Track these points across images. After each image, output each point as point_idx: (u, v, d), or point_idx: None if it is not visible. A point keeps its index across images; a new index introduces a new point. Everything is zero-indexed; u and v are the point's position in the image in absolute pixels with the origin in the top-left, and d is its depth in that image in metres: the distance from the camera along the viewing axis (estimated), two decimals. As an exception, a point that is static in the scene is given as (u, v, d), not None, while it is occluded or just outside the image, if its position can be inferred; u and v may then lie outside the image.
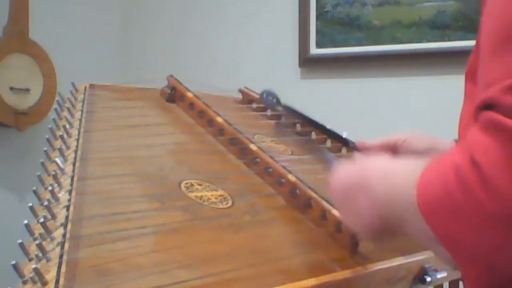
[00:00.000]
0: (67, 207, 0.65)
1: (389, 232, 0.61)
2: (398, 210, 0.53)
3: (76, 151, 0.81)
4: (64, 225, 0.61)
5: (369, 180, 0.59)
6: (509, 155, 0.40)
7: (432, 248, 0.52)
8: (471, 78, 0.64)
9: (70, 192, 0.69)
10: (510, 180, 0.39)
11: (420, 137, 0.87)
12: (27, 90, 1.96)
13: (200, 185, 0.81)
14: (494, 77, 0.43)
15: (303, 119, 1.11)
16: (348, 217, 0.66)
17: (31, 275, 0.54)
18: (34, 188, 0.72)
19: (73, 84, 1.11)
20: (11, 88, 1.91)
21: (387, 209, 0.55)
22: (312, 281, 0.64)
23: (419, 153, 0.84)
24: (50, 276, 0.53)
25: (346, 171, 0.65)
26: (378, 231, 0.61)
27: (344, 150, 1.09)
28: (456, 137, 0.76)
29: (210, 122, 1.01)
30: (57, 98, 1.06)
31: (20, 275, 0.55)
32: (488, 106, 0.42)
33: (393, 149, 0.86)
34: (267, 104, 1.11)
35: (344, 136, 1.15)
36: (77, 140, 0.86)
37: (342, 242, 0.74)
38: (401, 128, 1.84)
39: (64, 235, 0.59)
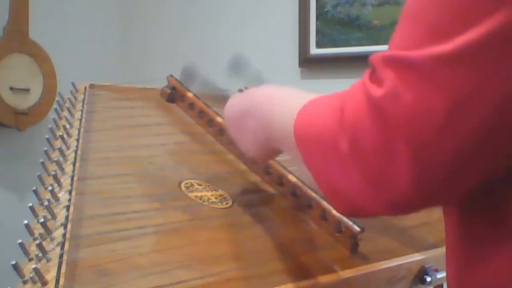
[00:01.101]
0: (67, 207, 0.65)
1: (274, 152, 0.70)
2: (277, 133, 0.60)
3: (76, 151, 0.81)
4: (64, 225, 0.61)
5: (256, 105, 0.66)
6: (366, 110, 0.45)
7: (301, 168, 0.56)
8: None
9: (70, 192, 0.69)
10: (361, 130, 0.45)
11: None
12: (27, 90, 1.96)
13: (200, 185, 0.81)
14: (389, 44, 0.48)
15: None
16: (241, 142, 0.72)
17: (31, 275, 0.54)
18: (34, 188, 0.72)
19: (73, 84, 1.11)
20: (11, 88, 1.91)
21: (269, 131, 0.62)
22: (312, 281, 0.65)
23: None
24: (50, 276, 0.53)
25: (235, 100, 0.73)
26: (264, 151, 0.69)
27: None
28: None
29: (210, 122, 1.01)
30: (57, 98, 1.06)
31: (20, 275, 0.55)
32: (372, 67, 0.47)
33: None
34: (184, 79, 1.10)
35: None
36: (77, 140, 0.86)
37: (342, 242, 0.74)
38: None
39: (64, 235, 0.59)
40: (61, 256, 0.56)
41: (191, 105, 1.06)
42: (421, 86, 0.43)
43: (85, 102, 1.03)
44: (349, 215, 0.54)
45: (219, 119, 1.00)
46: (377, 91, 0.45)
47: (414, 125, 0.43)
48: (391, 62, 0.45)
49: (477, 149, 0.43)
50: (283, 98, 0.62)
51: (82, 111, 0.98)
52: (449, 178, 0.44)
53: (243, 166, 0.92)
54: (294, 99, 0.58)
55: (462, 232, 0.53)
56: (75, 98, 1.06)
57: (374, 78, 0.46)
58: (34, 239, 0.61)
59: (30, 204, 0.67)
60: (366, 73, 0.48)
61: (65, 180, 0.73)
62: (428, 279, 0.78)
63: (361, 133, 0.45)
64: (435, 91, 0.42)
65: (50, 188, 0.70)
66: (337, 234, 0.75)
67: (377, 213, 0.50)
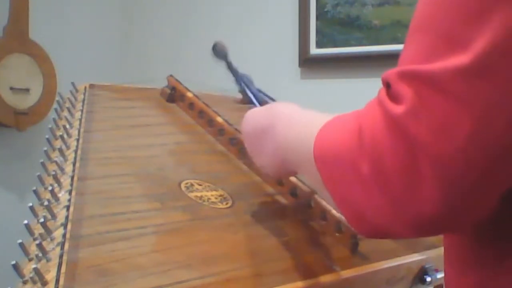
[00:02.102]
0: (67, 207, 0.65)
1: (290, 172, 0.71)
2: (296, 157, 0.59)
3: (76, 151, 0.81)
4: (64, 225, 0.61)
5: (276, 125, 0.64)
6: (386, 130, 0.44)
7: (321, 192, 0.57)
8: None
9: (70, 192, 0.69)
10: (382, 151, 0.44)
11: None
12: (27, 90, 1.96)
13: (200, 185, 0.81)
14: (401, 59, 0.47)
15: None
16: (256, 158, 0.71)
17: (31, 275, 0.54)
18: (34, 188, 0.72)
19: (73, 84, 1.11)
20: (11, 88, 1.91)
21: (287, 154, 0.61)
22: (312, 281, 0.65)
23: None
24: (50, 276, 0.53)
25: (256, 113, 0.71)
26: (281, 172, 0.69)
27: None
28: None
29: (210, 122, 1.01)
30: (57, 98, 1.06)
31: (20, 275, 0.55)
32: (387, 84, 0.46)
33: None
34: (215, 54, 1.09)
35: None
36: (77, 140, 0.86)
37: (342, 242, 0.74)
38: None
39: (64, 235, 0.59)
40: (61, 256, 0.56)
41: (191, 105, 1.06)
42: (443, 101, 0.41)
43: (85, 102, 1.03)
44: (373, 238, 0.52)
45: (219, 119, 1.00)
46: (396, 109, 0.43)
47: (439, 142, 0.41)
48: (408, 77, 0.43)
49: (504, 161, 0.42)
50: (302, 121, 0.61)
51: (82, 111, 0.98)
52: (476, 194, 0.42)
53: (243, 166, 0.92)
54: (313, 122, 0.56)
55: (471, 254, 0.52)
56: (75, 98, 1.06)
57: (391, 95, 0.45)
58: (34, 239, 0.61)
59: (30, 204, 0.67)
60: (381, 91, 0.46)
61: (65, 180, 0.73)
62: (428, 279, 0.78)
63: (382, 153, 0.44)
64: (459, 105, 0.41)
65: (50, 188, 0.70)
66: (337, 234, 0.75)
67: (402, 235, 0.49)
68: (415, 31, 0.46)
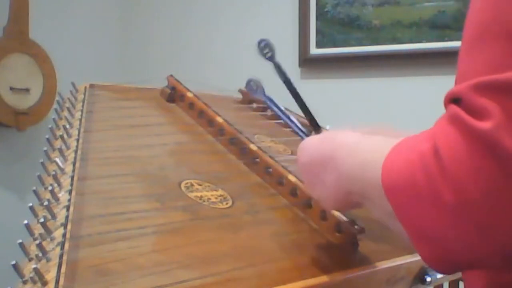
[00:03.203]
0: (67, 207, 0.65)
1: (353, 205, 0.63)
2: (362, 186, 0.54)
3: (76, 151, 0.81)
4: (64, 225, 0.61)
5: (336, 154, 0.60)
6: (470, 150, 0.40)
7: (389, 224, 0.53)
8: None
9: (70, 192, 0.69)
10: (467, 174, 0.40)
11: (384, 130, 0.85)
12: (27, 90, 1.96)
13: (200, 185, 0.81)
14: (465, 72, 0.44)
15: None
16: (314, 190, 0.66)
17: (31, 275, 0.54)
18: (34, 188, 0.72)
19: (73, 84, 1.11)
20: (11, 88, 1.91)
21: (351, 184, 0.57)
22: (312, 281, 0.64)
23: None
24: (50, 276, 0.53)
25: (313, 143, 0.66)
26: (343, 204, 0.63)
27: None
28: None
29: (210, 122, 1.01)
30: (57, 98, 1.06)
31: (20, 275, 0.55)
32: (456, 99, 0.43)
33: None
34: (250, 91, 1.07)
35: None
36: (77, 140, 0.86)
37: (342, 242, 0.74)
38: (400, 128, 1.84)
39: (64, 235, 0.59)
40: (61, 256, 0.56)
41: (191, 105, 1.06)
42: None
43: (85, 102, 1.03)
44: (453, 273, 0.47)
45: (219, 119, 1.00)
46: (482, 125, 0.39)
47: None
48: (487, 89, 0.40)
49: None
50: (367, 148, 0.56)
51: (82, 111, 0.98)
52: None
53: (243, 166, 0.92)
54: (379, 148, 0.52)
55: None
56: (75, 98, 1.06)
57: (470, 110, 0.41)
58: (34, 239, 0.61)
59: (30, 204, 0.67)
60: (451, 108, 0.43)
61: (65, 180, 0.73)
62: (428, 279, 0.78)
63: (467, 176, 0.40)
64: None
65: (50, 188, 0.70)
66: (337, 234, 0.75)
67: (488, 266, 0.46)
68: (478, 38, 0.43)
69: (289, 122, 0.87)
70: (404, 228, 0.47)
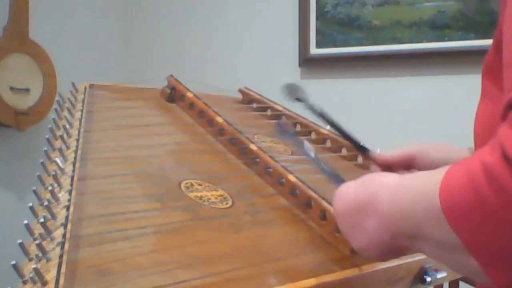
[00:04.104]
0: (67, 207, 0.65)
1: (399, 251, 0.58)
2: (414, 220, 0.49)
3: (76, 151, 0.81)
4: (64, 225, 0.61)
5: (377, 198, 0.56)
6: None
7: (454, 263, 0.48)
8: (488, 75, 0.62)
9: (70, 192, 0.69)
10: None
11: (435, 147, 0.82)
12: (27, 90, 1.96)
13: (200, 185, 0.81)
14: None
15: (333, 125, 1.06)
16: (355, 239, 0.61)
17: (31, 275, 0.54)
18: (34, 188, 0.72)
19: (73, 84, 1.11)
20: (11, 88, 1.91)
21: (398, 224, 0.52)
22: (312, 281, 0.64)
23: (435, 164, 0.75)
24: (50, 276, 0.53)
25: (350, 188, 0.62)
26: (387, 252, 0.58)
27: (359, 159, 1.07)
28: (454, 139, 0.76)
29: (210, 122, 1.01)
30: (57, 98, 1.06)
31: (20, 275, 0.55)
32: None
33: (409, 161, 0.81)
34: (279, 134, 1.03)
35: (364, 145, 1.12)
36: (77, 140, 0.86)
37: (342, 242, 0.74)
38: (400, 128, 1.84)
39: (64, 235, 0.59)
40: (61, 256, 0.56)
41: (191, 105, 1.06)
42: None
43: (85, 102, 1.03)
44: None
45: (219, 119, 1.00)
46: None
47: None
48: None
49: None
50: (412, 184, 0.52)
51: (82, 111, 0.98)
52: None
53: (243, 166, 0.92)
54: (424, 179, 0.49)
55: None
56: (75, 98, 1.06)
57: None
58: (34, 239, 0.61)
59: (30, 204, 0.67)
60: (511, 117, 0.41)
61: (65, 180, 0.73)
62: (428, 279, 0.78)
63: None
64: None
65: (50, 188, 0.70)
66: (337, 234, 0.75)
67: None
68: None
69: (322, 167, 0.79)
70: (473, 255, 0.43)
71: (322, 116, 1.01)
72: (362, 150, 0.92)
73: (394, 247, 0.56)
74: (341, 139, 1.16)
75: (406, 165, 0.82)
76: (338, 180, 0.69)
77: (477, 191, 0.41)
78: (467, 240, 0.43)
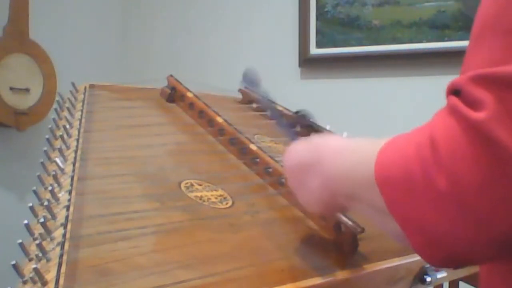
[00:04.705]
0: (67, 207, 0.65)
1: (338, 208, 0.64)
2: (351, 186, 0.54)
3: (76, 151, 0.81)
4: (64, 225, 0.61)
5: (322, 157, 0.60)
6: (466, 140, 0.41)
7: (381, 224, 0.52)
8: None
9: (70, 192, 0.69)
10: (463, 164, 0.40)
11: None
12: (27, 90, 1.96)
13: (200, 185, 0.81)
14: (467, 66, 0.45)
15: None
16: (299, 195, 0.66)
17: (31, 275, 0.54)
18: (34, 188, 0.72)
19: (73, 84, 1.11)
20: (11, 88, 1.91)
21: (338, 186, 0.57)
22: (312, 281, 0.65)
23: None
24: (50, 276, 0.53)
25: (299, 148, 0.67)
26: (328, 208, 0.63)
27: None
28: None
29: (210, 122, 1.01)
30: (57, 98, 1.06)
31: (20, 275, 0.55)
32: (456, 91, 0.43)
33: None
34: (247, 83, 1.04)
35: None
36: (77, 140, 0.86)
37: (342, 242, 0.74)
38: (400, 128, 1.85)
39: (64, 235, 0.59)
40: (61, 256, 0.56)
41: (191, 105, 1.06)
42: None
43: (85, 102, 1.03)
44: (445, 266, 0.47)
45: (219, 119, 1.00)
46: (477, 115, 0.40)
47: None
48: (485, 81, 0.41)
49: None
50: (353, 148, 0.56)
51: (82, 111, 0.98)
52: None
53: (243, 166, 0.92)
54: (366, 147, 0.52)
55: None
56: (75, 98, 1.06)
57: (467, 101, 0.41)
58: (34, 239, 0.61)
59: (30, 204, 0.67)
60: (451, 100, 0.43)
61: (65, 180, 0.73)
62: (428, 279, 0.78)
63: (463, 165, 0.40)
64: None
65: (50, 188, 0.70)
66: (337, 234, 0.75)
67: (483, 260, 0.45)
68: (481, 34, 0.44)
69: (280, 122, 0.85)
70: (397, 221, 0.46)
71: (266, 104, 1.03)
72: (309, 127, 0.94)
73: (333, 205, 0.61)
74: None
75: None
76: (293, 136, 0.74)
77: (406, 166, 0.45)
78: (393, 207, 0.46)
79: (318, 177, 0.60)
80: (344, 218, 0.74)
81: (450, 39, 1.80)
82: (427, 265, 0.79)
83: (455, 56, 1.82)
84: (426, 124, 0.46)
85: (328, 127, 1.19)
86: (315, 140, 0.65)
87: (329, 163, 0.59)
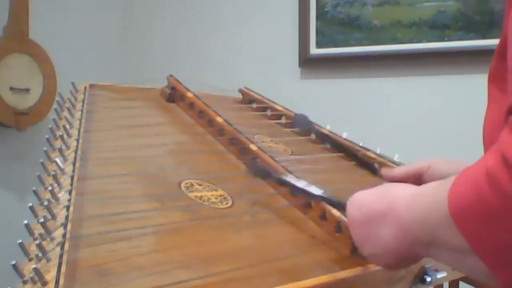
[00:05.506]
0: (67, 207, 0.65)
1: (412, 259, 0.60)
2: (430, 227, 0.52)
3: (76, 151, 0.81)
4: (64, 225, 0.61)
5: (395, 206, 0.58)
6: None
7: (464, 267, 0.50)
8: (493, 82, 0.62)
9: (70, 192, 0.69)
10: None
11: (444, 162, 0.82)
12: (27, 90, 1.96)
13: (200, 185, 0.81)
14: None
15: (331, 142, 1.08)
16: (368, 246, 0.62)
17: (31, 275, 0.54)
18: (34, 188, 0.72)
19: (73, 84, 1.11)
20: (11, 88, 1.91)
21: (417, 231, 0.54)
22: (312, 281, 0.64)
23: (445, 177, 0.78)
24: (50, 276, 0.53)
25: (364, 199, 0.63)
26: (401, 259, 0.60)
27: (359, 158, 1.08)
28: (454, 139, 0.75)
29: (210, 122, 1.01)
30: (57, 98, 1.06)
31: (20, 275, 0.55)
32: None
33: (418, 176, 0.81)
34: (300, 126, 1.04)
35: (344, 136, 1.14)
36: (77, 140, 0.86)
37: (342, 242, 0.74)
38: (401, 128, 1.84)
39: (64, 235, 0.59)
40: (61, 256, 0.56)
41: (191, 105, 1.06)
42: None
43: (85, 102, 1.03)
44: None
45: (219, 119, 1.00)
46: None
47: None
48: None
49: None
50: (426, 193, 0.54)
51: (82, 111, 0.98)
52: None
53: (243, 166, 0.92)
54: (438, 188, 0.51)
55: None
56: (75, 98, 1.06)
57: None
58: (34, 239, 0.61)
59: (30, 204, 0.67)
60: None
61: (65, 180, 0.73)
62: (428, 279, 0.78)
63: None
64: None
65: (50, 188, 0.70)
66: (337, 234, 0.75)
67: None
68: None
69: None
70: (479, 256, 0.44)
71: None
72: (369, 167, 0.93)
73: (409, 255, 0.58)
74: (341, 139, 1.17)
75: (414, 180, 0.82)
76: (341, 205, 0.71)
77: (479, 194, 0.43)
78: (473, 241, 0.45)
79: (393, 228, 0.58)
80: (344, 218, 0.74)
81: (450, 39, 1.80)
82: (427, 265, 0.79)
83: (455, 56, 1.83)
84: (492, 148, 0.44)
85: (328, 127, 1.19)
86: (383, 188, 0.63)
87: (404, 211, 0.56)
